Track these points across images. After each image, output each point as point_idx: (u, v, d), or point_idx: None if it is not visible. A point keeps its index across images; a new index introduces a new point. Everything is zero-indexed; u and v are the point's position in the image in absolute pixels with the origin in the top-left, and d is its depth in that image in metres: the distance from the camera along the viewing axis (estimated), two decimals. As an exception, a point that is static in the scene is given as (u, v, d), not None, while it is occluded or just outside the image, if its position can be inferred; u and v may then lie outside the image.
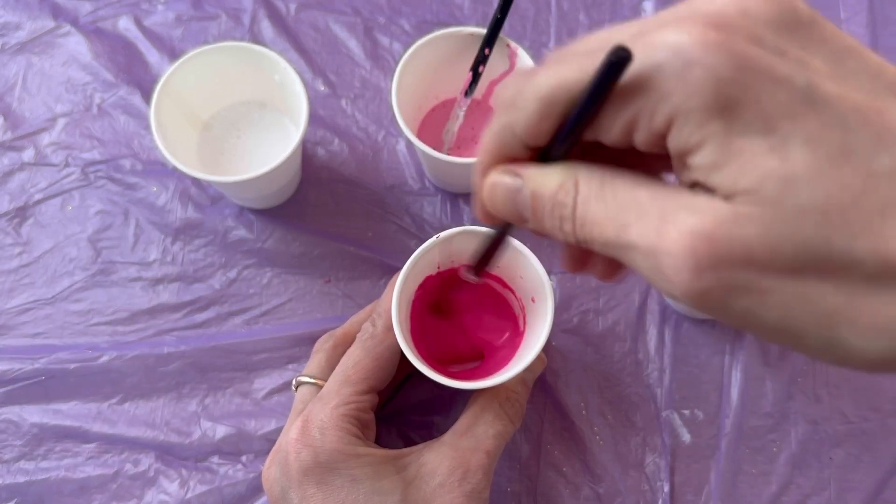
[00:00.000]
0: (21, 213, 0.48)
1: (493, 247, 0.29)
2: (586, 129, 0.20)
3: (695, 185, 0.18)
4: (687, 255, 0.17)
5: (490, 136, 0.22)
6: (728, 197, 0.17)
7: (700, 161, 0.18)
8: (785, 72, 0.17)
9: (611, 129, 0.19)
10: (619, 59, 0.17)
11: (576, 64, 0.19)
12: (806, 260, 0.17)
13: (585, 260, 0.24)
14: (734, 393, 0.45)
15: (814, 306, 0.17)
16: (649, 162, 0.22)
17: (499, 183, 0.22)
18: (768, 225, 0.17)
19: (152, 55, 0.51)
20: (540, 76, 0.20)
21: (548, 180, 0.21)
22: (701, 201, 0.18)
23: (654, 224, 0.18)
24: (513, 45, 0.42)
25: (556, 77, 0.19)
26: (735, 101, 0.17)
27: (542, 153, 0.21)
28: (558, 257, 0.47)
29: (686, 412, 0.44)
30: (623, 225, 0.19)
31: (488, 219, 0.24)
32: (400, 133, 0.50)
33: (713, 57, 0.17)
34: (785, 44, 0.18)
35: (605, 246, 0.20)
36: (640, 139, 0.19)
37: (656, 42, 0.18)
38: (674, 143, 0.18)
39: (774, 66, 0.17)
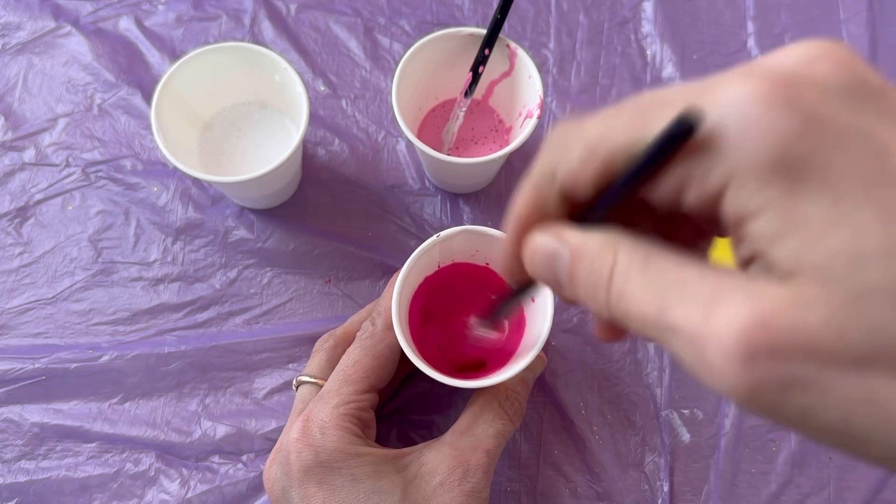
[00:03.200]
0: (22, 213, 0.48)
1: (513, 304, 0.28)
2: (637, 191, 0.18)
3: (750, 262, 0.17)
4: (739, 342, 0.15)
5: (529, 180, 0.21)
6: (789, 275, 0.15)
7: (759, 229, 0.16)
8: (858, 135, 0.15)
9: (659, 188, 0.18)
10: (689, 121, 0.15)
11: (628, 119, 0.18)
12: (877, 350, 0.14)
13: (620, 333, 0.23)
14: (733, 392, 0.45)
15: (883, 405, 0.15)
16: (689, 235, 0.20)
17: (541, 245, 0.20)
18: (835, 309, 0.14)
19: (153, 55, 0.52)
20: (590, 123, 0.19)
21: (589, 244, 0.19)
22: (757, 284, 0.16)
23: (702, 306, 0.16)
24: (513, 45, 0.42)
25: (606, 128, 0.18)
26: (801, 161, 0.15)
27: (581, 214, 0.20)
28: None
29: (685, 412, 0.45)
30: (665, 304, 0.17)
31: (514, 276, 0.23)
32: (400, 133, 0.50)
33: (779, 111, 0.15)
34: (856, 111, 0.16)
35: (643, 325, 0.17)
36: (691, 201, 0.17)
37: (717, 96, 0.16)
38: (730, 207, 0.16)
39: (847, 128, 0.15)
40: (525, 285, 0.25)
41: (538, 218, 0.21)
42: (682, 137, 0.16)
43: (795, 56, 0.17)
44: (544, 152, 0.20)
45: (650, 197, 0.18)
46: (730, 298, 0.15)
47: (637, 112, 0.18)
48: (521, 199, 0.22)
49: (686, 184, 0.17)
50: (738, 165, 0.16)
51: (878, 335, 0.14)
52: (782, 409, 0.15)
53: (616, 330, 0.23)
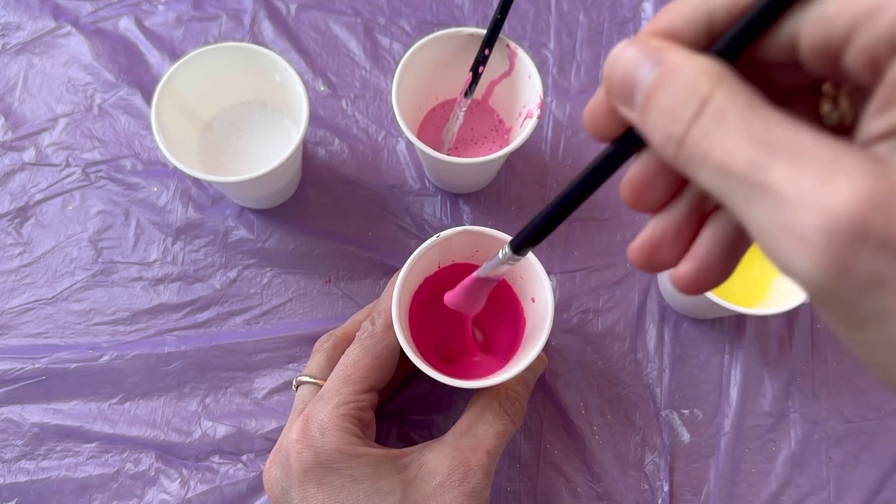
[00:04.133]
0: (22, 213, 0.48)
1: (593, 185, 0.21)
2: (773, 25, 0.16)
3: (874, 141, 0.15)
4: (849, 218, 0.13)
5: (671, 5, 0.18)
6: None
7: None
8: None
9: (782, 33, 0.16)
10: None
11: None
12: None
13: (650, 188, 0.20)
14: (733, 392, 0.45)
15: None
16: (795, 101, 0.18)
17: (629, 49, 0.18)
18: None
19: (153, 55, 0.52)
20: None
21: (687, 66, 0.16)
22: (887, 164, 0.14)
23: (814, 174, 0.14)
24: (512, 45, 0.42)
25: None
26: None
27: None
28: (559, 257, 0.47)
29: (685, 412, 0.45)
30: (763, 162, 0.14)
31: (597, 119, 0.20)
32: (400, 133, 0.50)
33: None
34: None
35: (719, 175, 0.15)
36: (815, 44, 0.15)
37: None
38: (873, 39, 0.14)
39: None
40: (613, 137, 0.20)
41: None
42: None
43: None
44: None
45: (770, 45, 0.17)
46: (851, 173, 0.14)
47: None
48: (656, 19, 0.19)
49: (823, 24, 0.15)
50: None
51: None
52: (859, 303, 0.14)
53: (648, 183, 0.19)
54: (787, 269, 0.15)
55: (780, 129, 0.15)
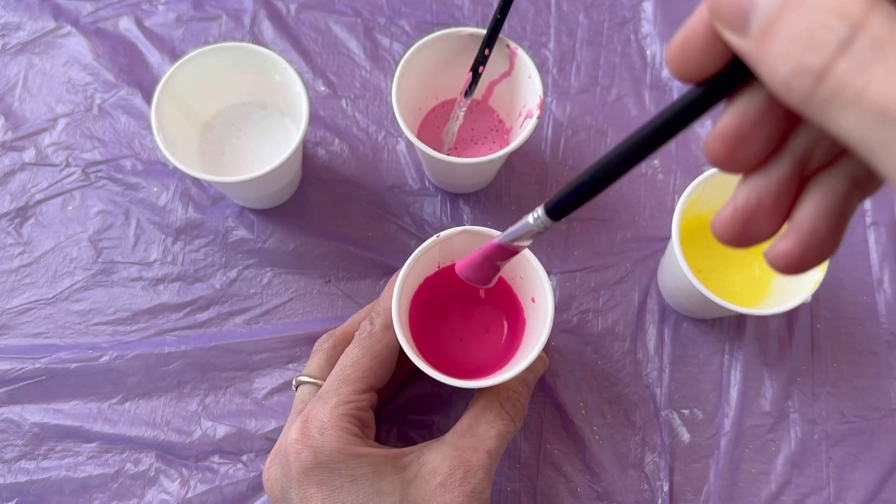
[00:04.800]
0: (22, 213, 0.48)
1: (670, 130, 0.18)
2: None
3: None
4: None
5: None
6: None
7: None
8: None
9: None
10: None
11: None
12: None
13: (751, 140, 0.17)
14: (733, 392, 0.45)
15: None
16: None
17: None
18: None
19: (153, 55, 0.52)
20: None
21: None
22: None
23: None
24: (512, 45, 0.42)
25: None
26: None
27: None
28: (559, 257, 0.47)
29: (685, 412, 0.45)
30: None
31: (687, 53, 0.16)
32: (400, 133, 0.50)
33: None
34: None
35: (874, 119, 0.13)
36: None
37: None
38: None
39: None
40: (697, 89, 0.17)
41: None
42: None
43: None
44: None
45: None
46: None
47: None
48: None
49: None
50: None
51: None
52: None
53: (747, 135, 0.16)
54: None
55: None
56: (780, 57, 0.14)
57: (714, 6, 0.15)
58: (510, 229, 0.27)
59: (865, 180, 0.16)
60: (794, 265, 0.17)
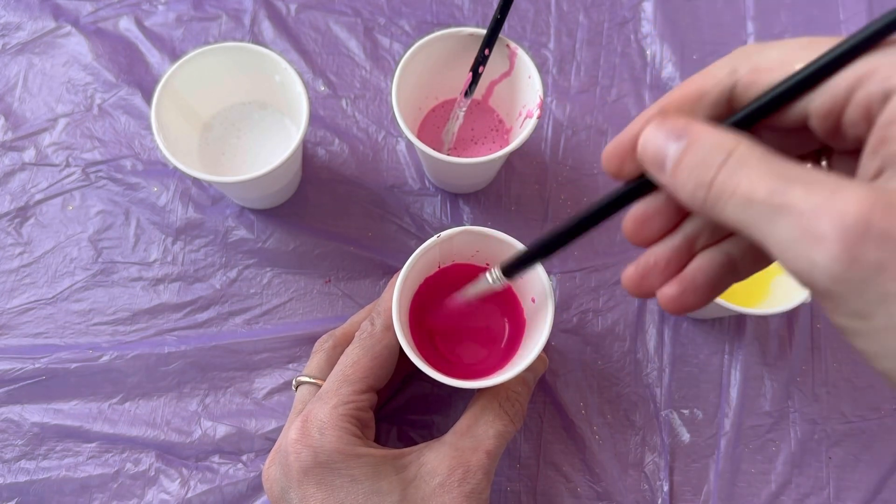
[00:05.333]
0: (22, 213, 0.48)
1: (609, 211, 0.24)
2: (792, 101, 0.20)
3: (875, 177, 0.18)
4: (858, 217, 0.16)
5: (695, 76, 0.22)
6: None
7: None
8: None
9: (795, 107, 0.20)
10: (891, 17, 0.18)
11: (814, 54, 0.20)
12: None
13: (652, 222, 0.24)
14: (733, 392, 0.45)
15: None
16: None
17: (657, 131, 0.21)
18: None
19: (153, 55, 0.52)
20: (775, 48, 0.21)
21: (712, 134, 0.20)
22: (882, 185, 0.18)
23: (824, 192, 0.17)
24: (512, 45, 0.42)
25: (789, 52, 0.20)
26: None
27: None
28: (559, 257, 0.47)
29: (685, 412, 0.45)
30: (780, 188, 0.18)
31: (616, 162, 0.23)
32: (400, 133, 0.50)
33: None
34: None
35: (744, 205, 0.18)
36: (821, 109, 0.19)
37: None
38: (868, 94, 0.18)
39: None
40: (629, 179, 0.24)
41: (682, 108, 0.22)
42: (885, 31, 0.18)
43: None
44: (725, 58, 0.22)
45: (786, 115, 0.20)
46: (854, 189, 0.17)
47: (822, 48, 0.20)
48: (679, 89, 0.22)
49: (844, 97, 0.19)
50: None
51: None
52: (866, 289, 0.17)
53: (649, 219, 0.23)
54: (805, 271, 0.17)
55: (792, 167, 0.18)
56: (685, 181, 0.20)
57: (641, 157, 0.22)
58: (470, 287, 0.34)
59: (739, 257, 0.23)
60: (672, 304, 0.24)
